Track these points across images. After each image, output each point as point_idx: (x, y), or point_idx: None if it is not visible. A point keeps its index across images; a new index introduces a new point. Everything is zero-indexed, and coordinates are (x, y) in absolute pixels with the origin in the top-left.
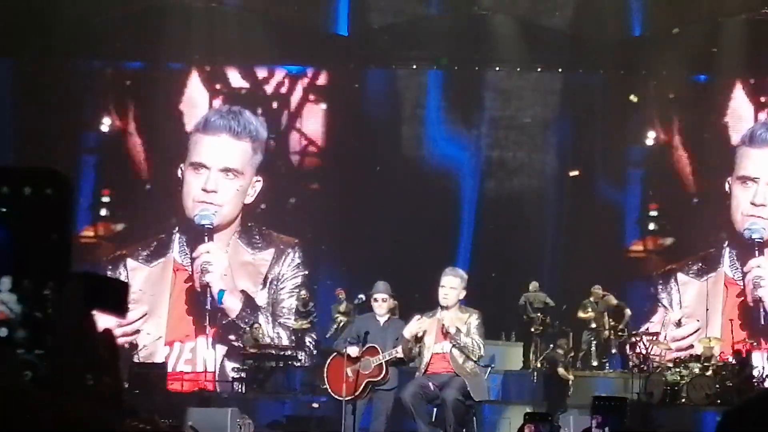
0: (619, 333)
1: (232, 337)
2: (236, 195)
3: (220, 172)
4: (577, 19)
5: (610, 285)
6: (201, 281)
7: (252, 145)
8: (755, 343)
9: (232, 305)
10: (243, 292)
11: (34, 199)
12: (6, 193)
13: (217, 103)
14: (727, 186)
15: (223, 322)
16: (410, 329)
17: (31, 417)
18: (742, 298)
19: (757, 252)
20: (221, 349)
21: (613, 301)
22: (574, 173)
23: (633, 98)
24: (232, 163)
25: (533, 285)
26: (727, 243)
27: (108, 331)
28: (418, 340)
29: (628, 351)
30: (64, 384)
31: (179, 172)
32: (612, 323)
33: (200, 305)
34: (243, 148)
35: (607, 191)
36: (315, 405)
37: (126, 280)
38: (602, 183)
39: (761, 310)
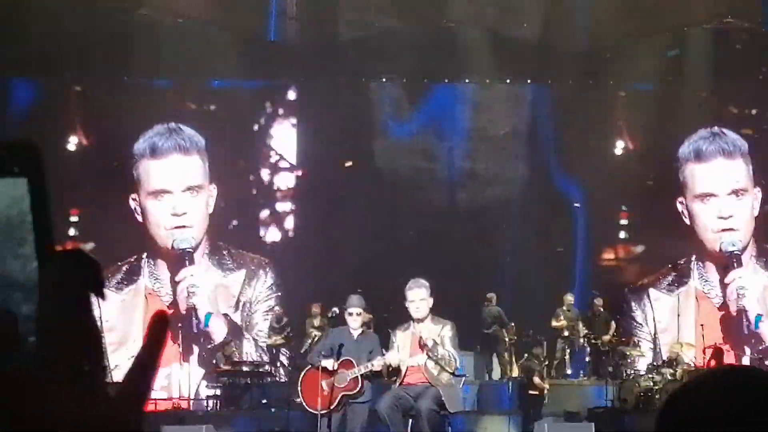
0: (593, 341)
1: (215, 361)
2: (203, 210)
3: (184, 193)
4: (545, 30)
5: (581, 293)
6: (187, 305)
7: (200, 156)
8: (729, 348)
9: (218, 328)
10: (226, 315)
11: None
12: None
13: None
14: (680, 206)
15: (208, 346)
16: (391, 360)
17: (49, 414)
18: (723, 311)
19: (735, 264)
20: (200, 372)
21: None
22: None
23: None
24: (192, 180)
25: (489, 295)
26: (695, 257)
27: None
28: (397, 371)
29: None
30: (61, 375)
31: (132, 203)
32: (586, 332)
33: (179, 330)
34: (195, 162)
35: (576, 200)
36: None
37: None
38: (572, 192)
39: (744, 320)
